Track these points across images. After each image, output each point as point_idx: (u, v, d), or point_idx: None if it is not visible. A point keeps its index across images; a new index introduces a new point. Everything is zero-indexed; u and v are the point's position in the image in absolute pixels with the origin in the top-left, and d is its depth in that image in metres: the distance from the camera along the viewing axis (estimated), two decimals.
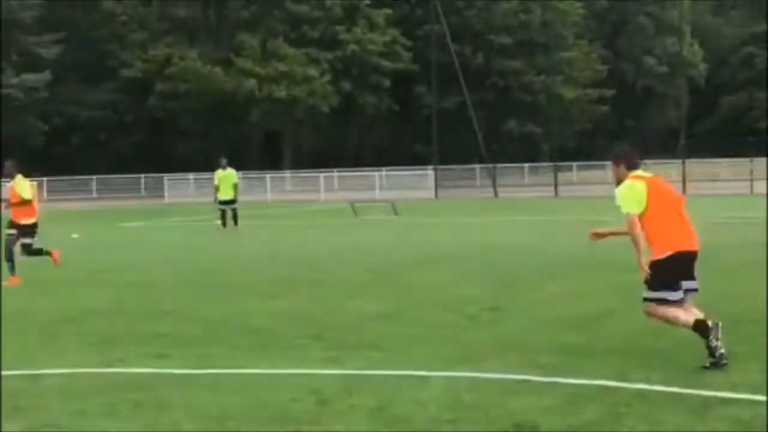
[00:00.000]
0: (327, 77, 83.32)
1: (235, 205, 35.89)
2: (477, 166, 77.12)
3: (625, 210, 10.56)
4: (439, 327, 13.54)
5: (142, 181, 78.56)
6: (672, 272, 10.47)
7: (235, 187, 36.13)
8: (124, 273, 21.97)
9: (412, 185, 68.02)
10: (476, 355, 11.50)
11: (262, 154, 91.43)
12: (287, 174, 77.27)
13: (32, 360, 11.92)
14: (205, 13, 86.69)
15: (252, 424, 8.78)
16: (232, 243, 30.52)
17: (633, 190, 10.60)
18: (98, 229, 39.56)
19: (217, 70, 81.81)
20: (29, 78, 78.17)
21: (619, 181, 10.87)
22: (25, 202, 20.65)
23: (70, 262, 23.54)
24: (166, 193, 72.02)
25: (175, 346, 12.61)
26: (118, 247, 30.44)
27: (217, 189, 36.25)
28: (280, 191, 71.69)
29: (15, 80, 77.85)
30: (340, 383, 10.19)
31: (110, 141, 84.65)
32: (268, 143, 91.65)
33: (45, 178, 73.67)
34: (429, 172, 69.63)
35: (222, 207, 35.86)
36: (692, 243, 10.63)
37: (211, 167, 40.41)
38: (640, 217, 10.53)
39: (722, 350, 10.35)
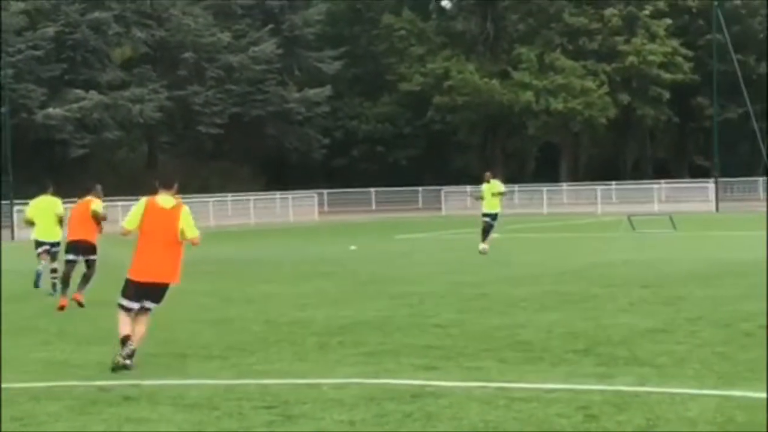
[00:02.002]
0: (605, 89, 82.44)
1: (493, 221, 33.06)
2: (761, 179, 74.70)
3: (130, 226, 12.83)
4: (714, 344, 13.18)
5: (420, 193, 79.58)
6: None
7: (499, 195, 34.37)
8: (397, 285, 22.25)
9: (692, 198, 66.68)
10: (751, 374, 11.14)
11: (538, 166, 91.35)
12: (564, 186, 76.86)
13: (306, 369, 12.20)
14: (482, 27, 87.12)
15: None
16: (503, 255, 30.45)
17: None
18: (375, 241, 40.28)
19: (494, 83, 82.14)
20: (311, 93, 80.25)
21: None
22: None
23: (347, 273, 24.03)
24: (443, 206, 72.71)
25: (444, 358, 12.70)
26: (392, 259, 30.88)
27: (481, 199, 34.65)
28: (556, 204, 71.32)
29: (297, 95, 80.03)
30: (609, 399, 10.05)
31: (389, 154, 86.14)
32: (545, 155, 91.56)
33: (326, 191, 75.61)
34: (709, 184, 67.88)
35: (485, 219, 33.34)
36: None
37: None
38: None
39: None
